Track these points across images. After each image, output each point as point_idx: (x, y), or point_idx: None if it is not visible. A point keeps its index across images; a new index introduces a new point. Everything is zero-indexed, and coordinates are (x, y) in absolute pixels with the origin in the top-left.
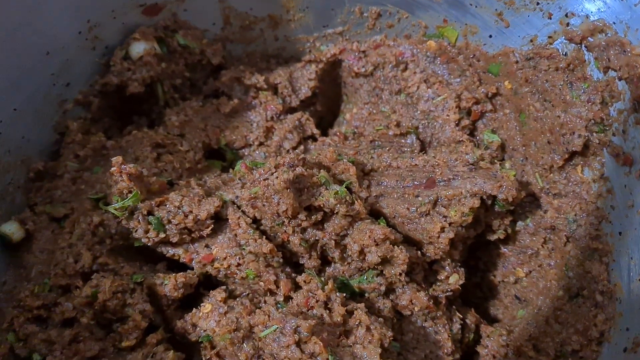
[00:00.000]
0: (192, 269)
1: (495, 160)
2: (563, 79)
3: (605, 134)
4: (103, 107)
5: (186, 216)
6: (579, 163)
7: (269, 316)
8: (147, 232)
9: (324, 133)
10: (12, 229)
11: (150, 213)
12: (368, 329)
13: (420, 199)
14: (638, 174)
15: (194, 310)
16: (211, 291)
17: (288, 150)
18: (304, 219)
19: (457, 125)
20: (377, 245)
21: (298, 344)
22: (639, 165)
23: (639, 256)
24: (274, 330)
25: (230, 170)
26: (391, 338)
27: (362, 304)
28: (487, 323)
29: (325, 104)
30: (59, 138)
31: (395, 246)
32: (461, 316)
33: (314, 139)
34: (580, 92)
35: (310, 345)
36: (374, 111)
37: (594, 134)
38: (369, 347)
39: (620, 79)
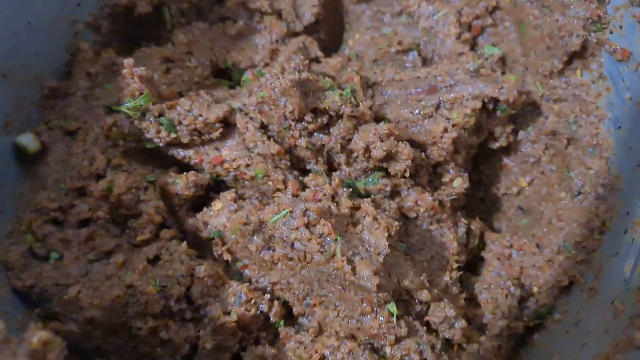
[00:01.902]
0: (202, 171)
1: (496, 70)
2: None
3: (603, 32)
4: (112, 31)
5: (196, 118)
6: (577, 66)
7: (278, 207)
8: (158, 132)
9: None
10: (28, 140)
11: (161, 115)
12: (375, 218)
13: (423, 103)
14: (636, 66)
15: (205, 209)
16: (221, 192)
17: None
18: (310, 121)
19: (457, 38)
20: (382, 140)
21: (307, 226)
22: (638, 58)
23: (638, 145)
24: (284, 215)
25: (237, 87)
26: (398, 228)
27: (369, 198)
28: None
29: (328, 33)
30: (71, 59)
31: (400, 142)
32: (466, 222)
33: (318, 61)
34: None
35: (319, 227)
36: (376, 35)
37: (592, 34)
38: (376, 232)
39: None
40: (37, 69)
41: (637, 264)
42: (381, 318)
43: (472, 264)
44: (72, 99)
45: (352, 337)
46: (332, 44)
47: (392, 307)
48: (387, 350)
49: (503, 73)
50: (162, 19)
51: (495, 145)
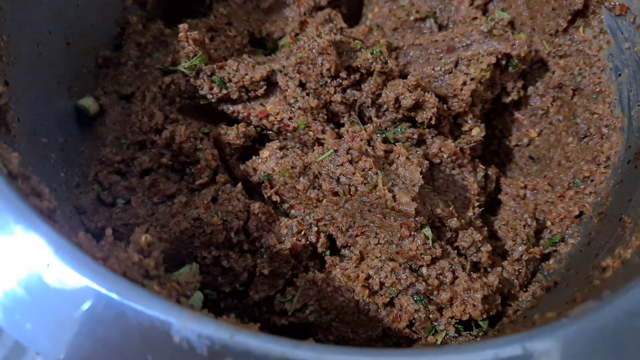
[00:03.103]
0: (250, 124)
1: (507, 31)
2: None
3: None
4: (156, 6)
5: (243, 77)
6: (580, 24)
7: (323, 148)
8: (211, 89)
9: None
10: (89, 102)
11: (212, 73)
12: (407, 157)
13: (443, 60)
14: (633, 18)
15: (254, 157)
16: (267, 143)
17: None
18: (345, 77)
19: (470, 5)
20: (410, 91)
21: (351, 162)
22: (635, 12)
23: (636, 88)
24: (330, 154)
25: (272, 54)
26: (427, 166)
27: (400, 143)
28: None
29: (349, 7)
30: (120, 32)
31: (426, 92)
32: (484, 167)
33: (343, 31)
34: None
35: (361, 163)
36: (394, 7)
37: None
38: (410, 168)
39: None
40: (93, 39)
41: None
42: (418, 241)
43: (490, 206)
44: (124, 68)
45: (393, 260)
46: (352, 18)
47: (428, 231)
48: (424, 270)
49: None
50: None
51: (508, 99)
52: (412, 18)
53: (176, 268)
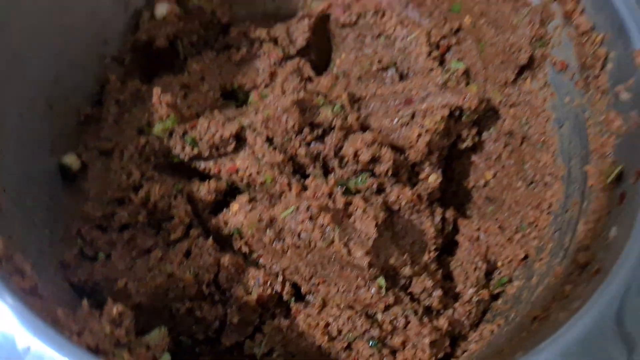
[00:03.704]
0: (220, 179)
1: (461, 82)
2: (510, 7)
3: (546, 48)
4: (134, 63)
5: (213, 135)
6: (527, 76)
7: (286, 205)
8: (183, 148)
9: (318, 76)
10: (72, 160)
11: (185, 133)
12: (365, 210)
13: (400, 113)
14: (571, 75)
15: (224, 210)
16: (237, 196)
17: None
18: (308, 133)
19: (428, 56)
20: (367, 146)
21: (310, 218)
22: (573, 69)
23: (576, 140)
24: (291, 211)
25: (244, 106)
26: (384, 218)
27: (359, 195)
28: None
29: (318, 54)
30: (100, 90)
31: (382, 147)
32: (441, 211)
33: (311, 80)
34: (523, 16)
35: (320, 220)
36: (359, 54)
37: (537, 49)
38: (366, 221)
39: (553, 1)
40: (74, 98)
41: (574, 236)
42: (373, 290)
43: (449, 247)
44: (104, 123)
45: (350, 307)
46: (322, 63)
47: (381, 281)
48: (379, 316)
49: (467, 84)
50: (176, 51)
51: (463, 145)
52: (374, 68)
53: (152, 317)
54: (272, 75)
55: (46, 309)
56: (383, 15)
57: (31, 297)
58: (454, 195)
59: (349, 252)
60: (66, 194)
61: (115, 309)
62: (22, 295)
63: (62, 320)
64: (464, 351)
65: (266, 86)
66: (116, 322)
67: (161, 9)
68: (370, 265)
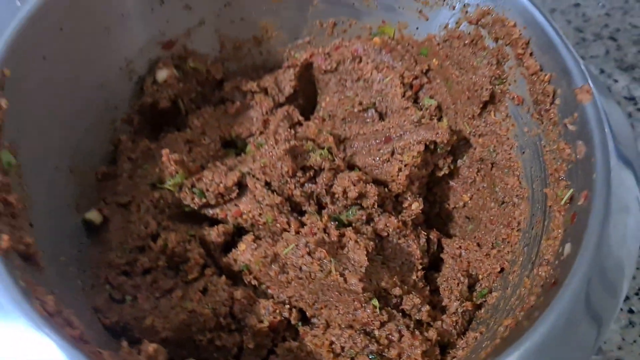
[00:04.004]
0: (227, 222)
1: (434, 118)
2: (470, 51)
3: (504, 84)
4: (142, 123)
5: (218, 185)
6: (491, 109)
7: (287, 242)
8: (193, 199)
9: (307, 119)
10: (94, 215)
11: (193, 186)
12: (356, 241)
13: (381, 151)
14: (527, 108)
15: (233, 250)
16: (243, 236)
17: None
18: (301, 176)
19: (403, 96)
20: (354, 185)
21: (309, 254)
22: (528, 103)
23: (536, 165)
24: (292, 248)
25: (242, 154)
26: (373, 247)
27: (351, 227)
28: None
29: (305, 98)
30: (114, 149)
31: (367, 184)
32: (425, 233)
33: (300, 124)
34: (482, 58)
35: (317, 254)
36: (342, 97)
37: (497, 86)
38: (357, 252)
39: (506, 45)
40: (92, 160)
41: (539, 250)
42: (368, 310)
43: (435, 264)
44: (119, 179)
45: (350, 327)
46: (308, 106)
47: (375, 302)
48: (376, 332)
49: (440, 118)
50: (178, 108)
51: (441, 173)
52: (356, 109)
53: (178, 349)
54: (265, 123)
55: (94, 352)
56: (360, 61)
57: (82, 344)
58: (437, 216)
59: (345, 280)
60: (91, 246)
61: (150, 347)
62: (75, 343)
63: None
64: (453, 357)
65: (261, 133)
66: (152, 358)
67: (161, 74)
68: (364, 289)
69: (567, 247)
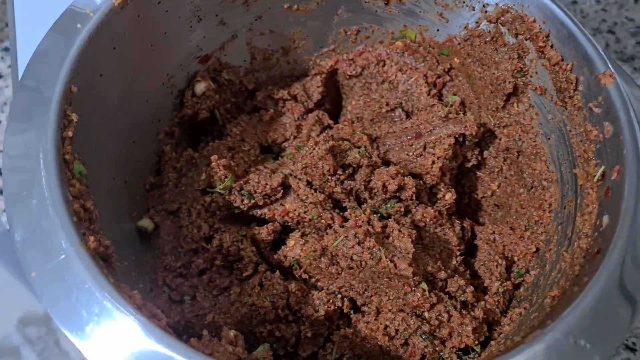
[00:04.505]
0: (275, 221)
1: (460, 112)
2: (491, 48)
3: (526, 77)
4: (182, 134)
5: (264, 187)
6: (514, 101)
7: (335, 235)
8: (242, 201)
9: (335, 123)
10: (147, 222)
11: (241, 189)
12: (400, 231)
13: (413, 146)
14: (550, 98)
15: (282, 247)
16: (290, 234)
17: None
18: (341, 173)
19: (428, 94)
20: (393, 178)
21: (359, 244)
22: (550, 92)
23: (562, 149)
24: (342, 240)
25: (279, 158)
26: (415, 235)
27: (391, 218)
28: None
29: (332, 103)
30: (158, 160)
31: (405, 177)
32: (459, 222)
33: (330, 127)
34: (503, 54)
35: (366, 243)
36: (367, 100)
37: (519, 79)
38: (402, 240)
39: (526, 39)
40: (141, 171)
41: (574, 227)
42: (418, 294)
43: (471, 250)
44: (166, 188)
45: (402, 310)
46: (335, 111)
47: (424, 285)
48: (426, 314)
49: (464, 113)
50: (215, 119)
51: (469, 164)
52: (383, 110)
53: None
54: (298, 128)
55: (182, 340)
56: (384, 64)
57: (170, 333)
58: (467, 207)
59: (395, 266)
60: (147, 251)
61: (231, 332)
62: (166, 331)
63: (197, 346)
64: (500, 333)
65: (295, 138)
66: (233, 343)
67: (200, 87)
68: (414, 274)
69: (605, 219)
